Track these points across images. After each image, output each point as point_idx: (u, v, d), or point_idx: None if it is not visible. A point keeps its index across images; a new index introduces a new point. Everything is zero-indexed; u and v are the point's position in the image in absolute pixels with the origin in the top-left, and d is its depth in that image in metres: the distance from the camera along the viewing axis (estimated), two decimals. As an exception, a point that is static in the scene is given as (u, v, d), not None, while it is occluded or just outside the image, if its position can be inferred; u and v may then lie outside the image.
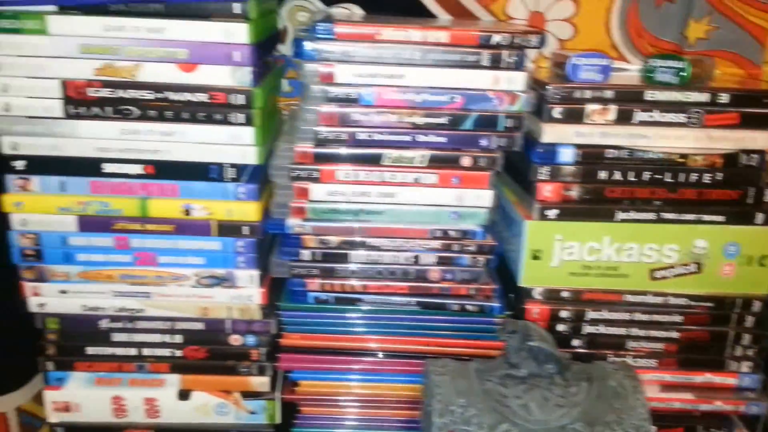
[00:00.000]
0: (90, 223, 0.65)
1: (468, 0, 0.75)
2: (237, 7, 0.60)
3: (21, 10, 0.58)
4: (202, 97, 0.61)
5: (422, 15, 0.76)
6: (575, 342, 0.71)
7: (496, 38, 0.62)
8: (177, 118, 0.62)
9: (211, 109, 0.62)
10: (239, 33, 0.60)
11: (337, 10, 0.76)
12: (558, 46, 0.77)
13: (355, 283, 0.70)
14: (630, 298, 0.71)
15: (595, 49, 0.75)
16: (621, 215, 0.67)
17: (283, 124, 0.78)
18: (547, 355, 0.62)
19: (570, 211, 0.67)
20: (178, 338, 0.71)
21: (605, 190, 0.67)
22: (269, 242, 0.73)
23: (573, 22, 0.76)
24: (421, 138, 0.65)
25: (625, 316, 0.71)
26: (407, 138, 0.65)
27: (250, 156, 0.64)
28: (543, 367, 0.62)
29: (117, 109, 0.61)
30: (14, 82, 0.60)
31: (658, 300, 0.71)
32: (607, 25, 0.76)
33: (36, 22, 0.58)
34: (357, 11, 0.77)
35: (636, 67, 0.76)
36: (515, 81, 0.63)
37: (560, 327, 0.71)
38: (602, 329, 0.71)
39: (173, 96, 0.61)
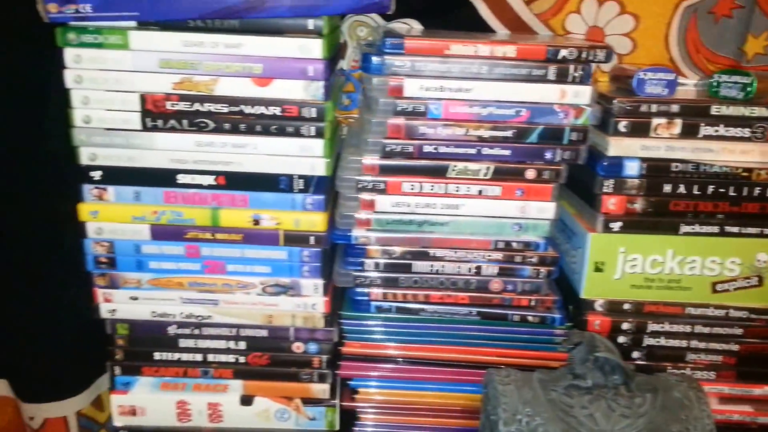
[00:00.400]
0: (162, 232, 0.67)
1: (527, 15, 0.76)
2: (311, 24, 0.62)
3: (104, 25, 0.60)
4: (275, 110, 0.63)
5: (481, 30, 0.77)
6: (635, 354, 0.72)
7: (564, 53, 0.63)
8: (250, 131, 0.63)
9: (283, 122, 0.63)
10: (313, 48, 0.61)
11: (396, 25, 0.78)
12: (616, 61, 0.78)
13: (417, 292, 0.71)
14: (691, 310, 0.71)
15: (653, 64, 0.76)
16: (684, 228, 0.68)
17: (342, 137, 0.79)
18: (614, 365, 0.63)
19: (633, 224, 0.68)
20: (242, 345, 0.72)
21: (669, 203, 0.67)
22: (332, 252, 0.74)
23: (632, 37, 0.77)
24: (487, 151, 0.66)
25: (686, 328, 0.71)
26: (472, 151, 0.66)
27: (319, 168, 0.65)
28: (608, 378, 0.63)
29: (193, 121, 0.63)
30: (95, 95, 0.62)
31: (719, 313, 0.71)
32: (666, 40, 0.76)
33: (118, 37, 0.60)
34: (416, 26, 0.78)
35: (693, 81, 0.77)
36: (581, 95, 0.64)
37: (621, 339, 0.71)
38: (663, 341, 0.72)
39: (247, 109, 0.63)
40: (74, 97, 0.62)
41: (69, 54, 0.60)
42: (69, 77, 0.61)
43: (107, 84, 0.62)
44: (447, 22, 0.77)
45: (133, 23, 0.60)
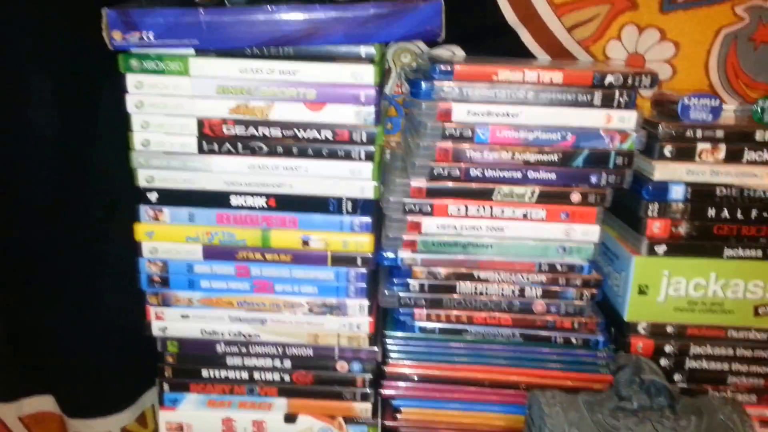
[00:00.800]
0: (215, 252, 0.68)
1: (569, 41, 0.78)
2: (363, 51, 0.63)
3: (165, 53, 0.62)
4: (326, 134, 0.65)
5: (523, 55, 0.79)
6: (677, 376, 0.72)
7: (610, 78, 0.65)
8: (302, 154, 0.65)
9: (334, 146, 0.65)
10: (365, 75, 0.63)
11: (439, 51, 0.79)
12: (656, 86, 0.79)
13: (460, 313, 0.72)
14: (733, 333, 0.72)
15: (693, 90, 0.77)
16: (728, 252, 0.69)
17: (386, 160, 0.81)
18: (660, 388, 0.63)
19: (677, 248, 0.69)
20: (287, 363, 0.73)
21: (713, 227, 0.68)
22: (375, 272, 0.75)
23: (672, 63, 0.78)
24: (532, 174, 0.67)
25: (728, 351, 0.72)
26: (518, 174, 0.67)
27: (368, 190, 0.67)
28: (654, 400, 0.63)
29: (247, 145, 0.65)
30: (154, 119, 0.64)
31: (761, 336, 0.72)
32: (706, 66, 0.77)
33: (178, 64, 0.62)
34: (458, 52, 0.80)
35: (732, 106, 0.78)
36: (627, 120, 0.65)
37: (663, 361, 0.72)
38: (704, 364, 0.72)
39: (300, 133, 0.64)
40: (134, 122, 0.64)
41: (130, 80, 0.63)
42: (130, 102, 0.63)
43: (166, 109, 0.64)
44: (489, 48, 0.78)
45: (192, 50, 0.63)
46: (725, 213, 0.68)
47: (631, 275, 0.69)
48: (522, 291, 0.71)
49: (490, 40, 0.79)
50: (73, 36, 0.69)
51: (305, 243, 0.68)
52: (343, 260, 0.69)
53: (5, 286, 0.78)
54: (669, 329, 0.71)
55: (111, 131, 0.70)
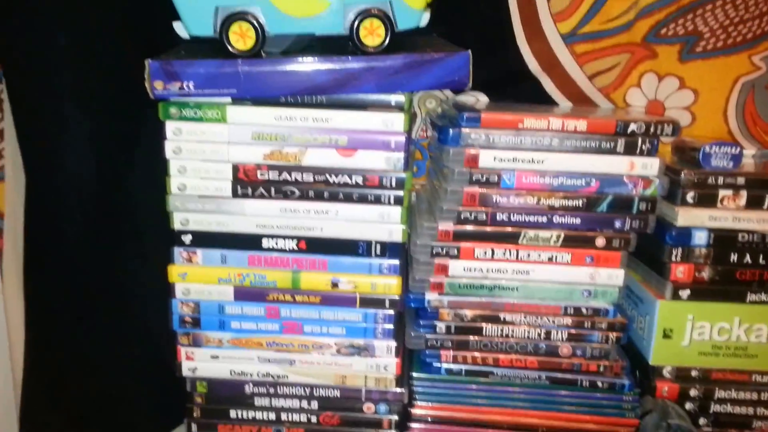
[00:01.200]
0: (246, 294, 0.70)
1: (590, 89, 0.80)
2: (393, 100, 0.66)
3: (204, 101, 0.64)
4: (357, 179, 0.66)
5: (545, 101, 0.81)
6: (702, 420, 0.73)
7: (632, 126, 0.66)
8: (333, 198, 0.67)
9: (364, 190, 0.67)
10: (396, 123, 0.65)
11: (464, 97, 0.82)
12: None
13: (486, 356, 0.73)
14: (758, 378, 0.72)
15: (713, 136, 0.79)
16: (751, 297, 0.69)
17: (411, 202, 0.83)
18: (687, 433, 0.64)
19: (701, 292, 0.70)
20: (314, 404, 0.74)
21: (736, 272, 0.69)
22: (401, 314, 0.76)
23: (691, 110, 0.80)
24: (558, 219, 0.68)
25: (753, 395, 0.72)
26: (544, 219, 0.69)
27: (397, 234, 0.68)
28: (681, 446, 0.64)
29: (280, 189, 0.67)
30: (191, 164, 0.66)
31: (786, 381, 0.72)
32: (724, 114, 0.79)
33: (216, 112, 0.65)
34: (482, 98, 0.82)
35: (751, 152, 0.80)
36: (650, 167, 0.67)
37: (688, 405, 0.72)
38: (729, 408, 0.72)
39: (332, 178, 0.66)
40: (172, 167, 0.66)
41: (169, 127, 0.65)
42: (168, 148, 0.65)
43: (204, 155, 0.66)
44: (512, 94, 0.81)
45: (229, 99, 0.65)
46: (747, 258, 0.69)
47: (655, 319, 0.70)
48: (548, 334, 0.72)
49: (513, 87, 0.82)
50: (112, 80, 0.72)
51: (334, 285, 0.70)
52: (371, 302, 0.70)
53: (38, 320, 0.79)
54: (694, 373, 0.72)
55: (146, 174, 0.73)
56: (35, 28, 0.70)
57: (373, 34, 0.63)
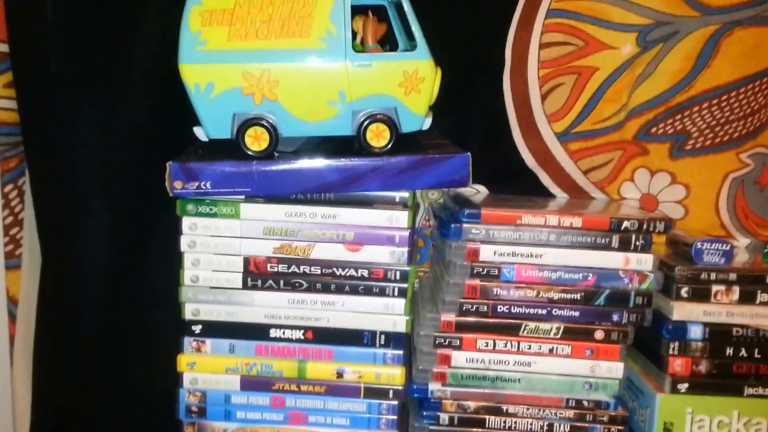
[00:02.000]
0: (252, 383, 0.71)
1: (585, 182, 0.84)
2: (398, 197, 0.69)
3: (219, 199, 0.68)
4: (363, 272, 0.69)
5: (542, 194, 0.84)
6: None
7: (626, 224, 0.69)
8: (339, 290, 0.70)
9: (369, 283, 0.69)
10: (400, 219, 0.68)
11: (465, 190, 0.85)
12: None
13: (489, 447, 0.73)
14: (761, 473, 0.72)
15: (706, 231, 0.82)
16: (748, 390, 0.71)
17: (415, 289, 0.85)
18: None
19: (699, 385, 0.71)
20: (318, 495, 0.74)
21: (732, 365, 0.71)
22: (405, 403, 0.77)
23: (684, 204, 0.83)
24: (557, 311, 0.71)
25: (756, 491, 0.72)
26: (543, 311, 0.71)
27: (400, 325, 0.70)
28: None
29: (289, 281, 0.69)
30: (204, 257, 0.69)
31: (787, 474, 0.72)
32: (716, 207, 0.82)
33: (230, 208, 0.68)
34: (482, 190, 0.85)
35: (744, 243, 0.83)
36: (644, 262, 0.70)
37: (691, 500, 0.72)
38: (733, 503, 0.72)
39: (338, 271, 0.69)
40: (186, 259, 0.69)
41: (186, 222, 0.68)
42: (184, 242, 0.69)
43: (217, 248, 0.69)
44: (510, 187, 0.85)
45: (242, 196, 0.69)
46: (743, 352, 0.70)
47: (656, 413, 0.71)
48: (551, 426, 0.72)
49: (511, 180, 0.85)
50: (131, 175, 0.76)
51: (340, 375, 0.71)
52: (375, 393, 0.71)
53: (53, 409, 0.80)
54: (696, 467, 0.72)
55: (159, 265, 0.76)
56: (60, 122, 0.74)
57: (379, 137, 0.67)
